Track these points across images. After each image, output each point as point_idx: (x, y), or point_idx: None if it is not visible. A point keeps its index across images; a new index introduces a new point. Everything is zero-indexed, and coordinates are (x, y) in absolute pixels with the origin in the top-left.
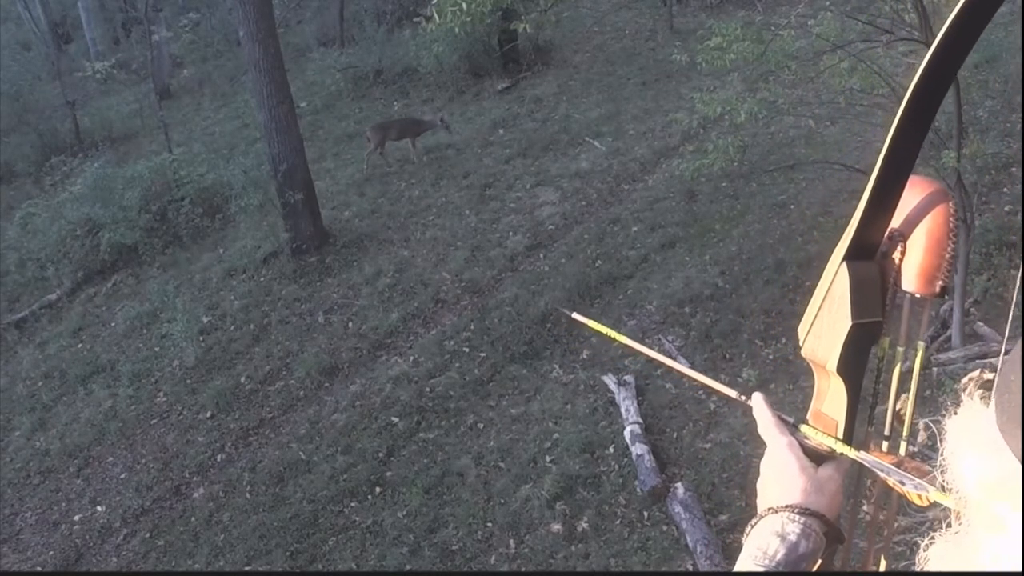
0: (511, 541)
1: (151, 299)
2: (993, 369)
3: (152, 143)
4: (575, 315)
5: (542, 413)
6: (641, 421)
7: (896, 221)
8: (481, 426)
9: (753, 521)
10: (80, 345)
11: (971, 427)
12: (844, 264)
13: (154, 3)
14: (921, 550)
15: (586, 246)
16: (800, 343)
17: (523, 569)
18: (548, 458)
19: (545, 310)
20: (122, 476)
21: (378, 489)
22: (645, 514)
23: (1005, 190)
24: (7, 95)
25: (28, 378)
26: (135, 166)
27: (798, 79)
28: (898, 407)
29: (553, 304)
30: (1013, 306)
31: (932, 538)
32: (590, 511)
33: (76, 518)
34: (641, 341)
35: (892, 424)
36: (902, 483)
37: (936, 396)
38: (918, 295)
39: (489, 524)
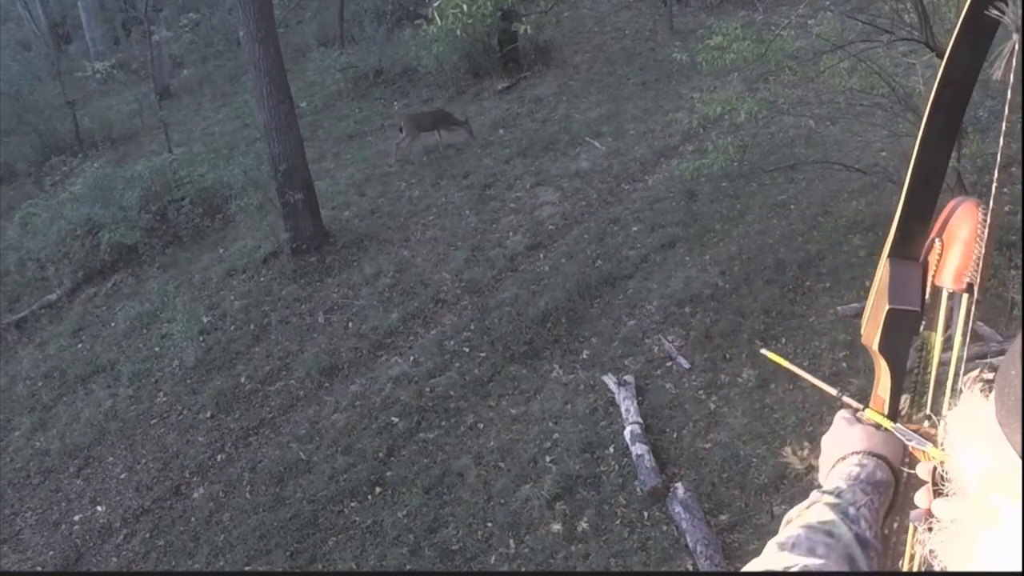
0: (511, 541)
1: (151, 299)
2: (993, 369)
3: (152, 143)
4: (764, 351)
5: (542, 413)
6: (641, 421)
7: (935, 229)
8: (481, 426)
9: (829, 475)
10: (80, 345)
11: (971, 420)
12: (887, 260)
13: (154, 3)
14: (918, 534)
15: (586, 246)
16: (861, 331)
17: (523, 569)
18: (548, 458)
19: (545, 310)
20: (122, 476)
21: (378, 489)
22: (645, 514)
23: (1005, 190)
24: (7, 95)
25: (28, 378)
26: (135, 166)
27: (798, 79)
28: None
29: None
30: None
31: (930, 524)
32: (590, 511)
33: (76, 518)
34: (641, 341)
35: (931, 403)
36: (910, 441)
37: (937, 396)
38: (950, 291)
39: (489, 524)
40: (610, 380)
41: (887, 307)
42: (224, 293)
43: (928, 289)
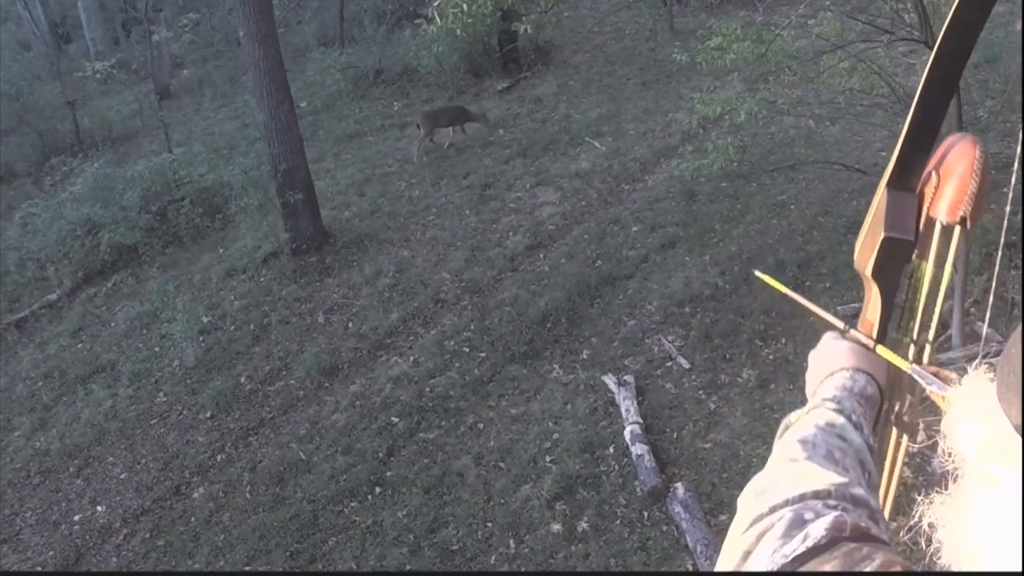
0: (511, 541)
1: (151, 299)
2: (992, 368)
3: (152, 143)
4: (758, 273)
5: (542, 413)
6: (641, 421)
7: (933, 162)
8: (481, 426)
9: (819, 389)
10: (80, 345)
11: (973, 397)
12: (885, 190)
13: (154, 3)
14: (918, 505)
15: (586, 246)
16: (855, 255)
17: (523, 569)
18: (548, 458)
19: (545, 310)
20: (122, 476)
21: (378, 489)
22: (645, 514)
23: (1005, 190)
24: (7, 95)
25: (28, 378)
26: (135, 166)
27: (798, 79)
28: (898, 407)
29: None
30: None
31: (931, 499)
32: (590, 511)
33: (76, 518)
34: (641, 341)
35: (919, 331)
36: (930, 385)
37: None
38: (945, 223)
39: (489, 524)
40: (610, 380)
41: (883, 235)
42: (224, 293)
43: (922, 220)
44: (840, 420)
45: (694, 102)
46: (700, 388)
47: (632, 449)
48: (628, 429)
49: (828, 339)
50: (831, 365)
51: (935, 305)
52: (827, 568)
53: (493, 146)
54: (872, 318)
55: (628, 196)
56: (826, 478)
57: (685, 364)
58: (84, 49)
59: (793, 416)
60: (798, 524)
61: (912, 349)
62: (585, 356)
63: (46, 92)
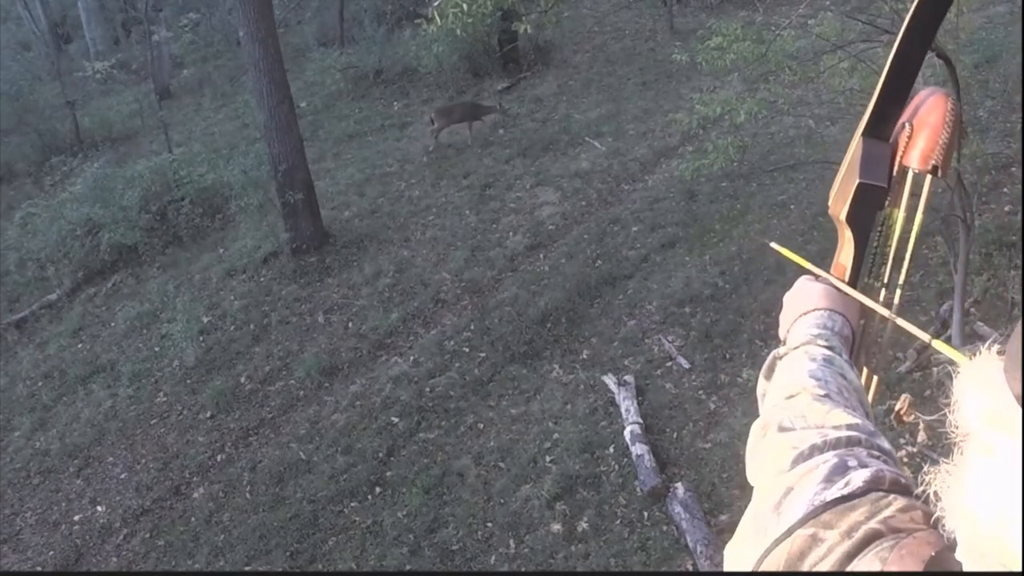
0: (511, 541)
1: (151, 299)
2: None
3: (152, 143)
4: (773, 244)
5: (542, 413)
6: (641, 421)
7: (907, 114)
8: (481, 426)
9: (793, 326)
10: (80, 345)
11: (982, 372)
12: (861, 139)
13: (154, 3)
14: (923, 474)
15: (586, 246)
16: (828, 203)
17: (523, 569)
18: (548, 458)
19: (545, 310)
20: (122, 476)
21: (378, 489)
22: (645, 514)
23: (1005, 190)
24: (7, 95)
25: (28, 378)
26: (135, 166)
27: (798, 79)
28: (897, 407)
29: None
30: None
31: (938, 468)
32: (590, 511)
33: (76, 518)
34: (641, 341)
35: (889, 273)
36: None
37: (937, 396)
38: (917, 171)
39: (489, 524)
40: (610, 380)
41: (857, 181)
42: (224, 293)
43: (895, 168)
44: (836, 358)
45: (694, 102)
46: (700, 388)
47: (632, 449)
48: (628, 429)
49: (803, 281)
50: (806, 304)
51: (906, 250)
52: (854, 514)
53: (493, 146)
54: (845, 262)
55: (628, 196)
56: (848, 419)
57: (685, 364)
58: (84, 49)
59: (781, 350)
60: (840, 470)
61: (883, 293)
62: (585, 356)
63: (46, 92)
